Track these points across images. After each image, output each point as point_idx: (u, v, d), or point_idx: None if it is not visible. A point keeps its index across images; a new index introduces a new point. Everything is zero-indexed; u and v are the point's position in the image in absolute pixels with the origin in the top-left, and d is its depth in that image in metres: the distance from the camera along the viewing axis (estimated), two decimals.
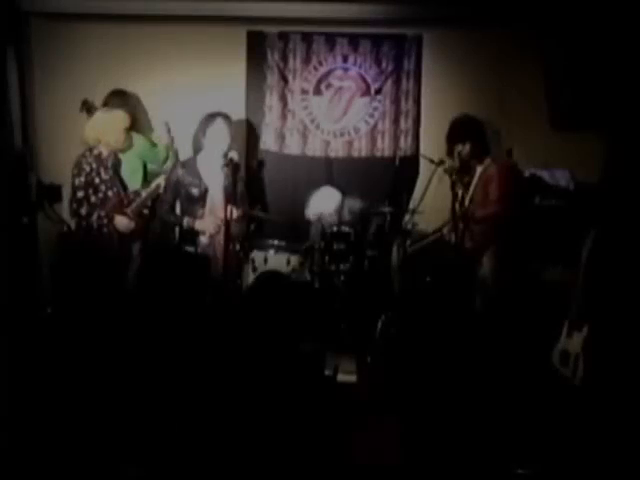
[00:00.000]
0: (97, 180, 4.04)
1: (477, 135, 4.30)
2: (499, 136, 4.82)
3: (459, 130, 4.32)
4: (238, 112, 4.93)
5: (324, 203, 4.84)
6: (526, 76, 4.91)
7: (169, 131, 4.42)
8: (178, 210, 4.40)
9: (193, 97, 4.93)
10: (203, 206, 4.27)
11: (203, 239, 4.25)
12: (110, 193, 4.08)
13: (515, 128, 4.89)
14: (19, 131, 4.76)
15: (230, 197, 3.99)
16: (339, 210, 4.80)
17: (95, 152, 4.06)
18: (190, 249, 4.23)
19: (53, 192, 4.72)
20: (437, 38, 5.04)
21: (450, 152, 4.31)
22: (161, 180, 4.22)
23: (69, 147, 4.43)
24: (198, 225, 4.22)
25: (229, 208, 3.94)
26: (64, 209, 4.55)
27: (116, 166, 4.20)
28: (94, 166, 4.03)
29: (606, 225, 3.66)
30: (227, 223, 3.90)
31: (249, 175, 4.96)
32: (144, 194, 4.21)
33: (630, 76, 4.64)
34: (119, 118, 4.11)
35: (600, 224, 3.66)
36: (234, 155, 4.08)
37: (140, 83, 4.92)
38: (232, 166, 3.93)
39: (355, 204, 4.89)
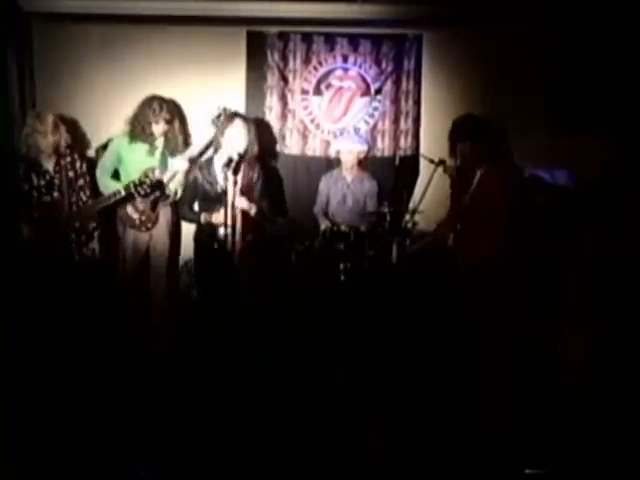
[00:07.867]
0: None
1: (480, 135, 4.15)
2: (505, 137, 4.80)
3: (461, 129, 4.20)
4: None
5: (350, 141, 4.94)
6: (526, 76, 4.91)
7: None
8: (197, 208, 4.39)
9: (193, 97, 4.94)
10: (220, 205, 4.16)
11: (221, 231, 4.14)
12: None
13: (515, 128, 4.89)
14: (19, 131, 4.76)
15: (247, 190, 4.16)
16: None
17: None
18: (210, 242, 4.25)
19: None
20: (437, 38, 5.05)
21: (452, 151, 4.22)
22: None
23: None
24: (215, 219, 4.20)
25: (242, 199, 4.11)
26: None
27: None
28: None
29: (606, 225, 3.67)
30: (243, 213, 4.11)
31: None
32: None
33: (629, 76, 4.65)
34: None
35: (600, 224, 3.67)
36: (234, 155, 4.07)
37: (140, 83, 4.92)
38: (233, 166, 3.92)
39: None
